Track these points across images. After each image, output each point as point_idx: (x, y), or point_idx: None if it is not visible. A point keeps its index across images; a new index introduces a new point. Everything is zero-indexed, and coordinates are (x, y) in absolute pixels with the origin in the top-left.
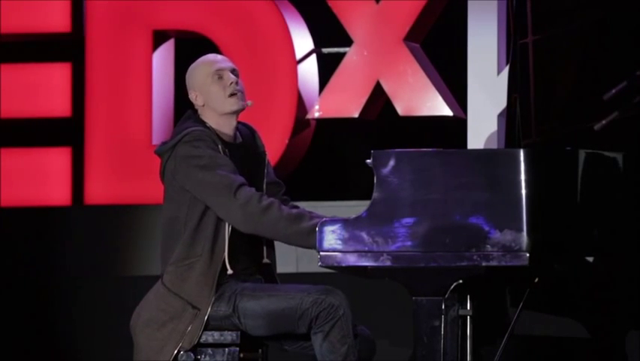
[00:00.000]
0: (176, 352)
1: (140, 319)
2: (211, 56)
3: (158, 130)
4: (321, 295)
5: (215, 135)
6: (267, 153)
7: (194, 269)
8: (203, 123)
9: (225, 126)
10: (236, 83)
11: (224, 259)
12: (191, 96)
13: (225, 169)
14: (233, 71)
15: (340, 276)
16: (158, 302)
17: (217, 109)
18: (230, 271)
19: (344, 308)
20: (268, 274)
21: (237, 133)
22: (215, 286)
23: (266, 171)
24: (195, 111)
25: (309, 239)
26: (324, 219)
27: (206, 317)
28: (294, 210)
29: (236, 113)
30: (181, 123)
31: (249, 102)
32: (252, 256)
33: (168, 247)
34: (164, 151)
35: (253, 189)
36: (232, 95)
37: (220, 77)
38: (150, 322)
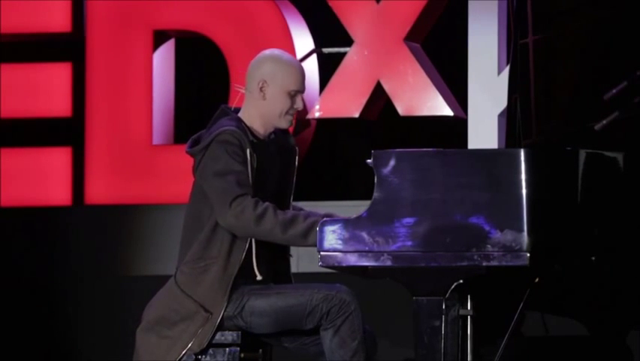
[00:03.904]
0: (183, 352)
1: (152, 315)
2: (300, 67)
3: (159, 130)
4: (331, 292)
5: (248, 134)
6: (297, 148)
7: (209, 272)
8: (238, 120)
9: (263, 127)
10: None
11: (253, 265)
12: (257, 83)
13: (235, 177)
14: (302, 94)
15: (341, 276)
16: (171, 302)
17: (269, 116)
18: (259, 277)
19: (355, 304)
20: (284, 274)
21: (271, 132)
22: (229, 291)
23: (296, 164)
24: (228, 104)
25: (307, 239)
26: (325, 219)
27: (217, 322)
28: (289, 213)
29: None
30: (215, 120)
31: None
32: (270, 262)
33: (187, 242)
34: (199, 150)
35: (249, 198)
36: (289, 115)
37: (293, 97)
38: (162, 320)
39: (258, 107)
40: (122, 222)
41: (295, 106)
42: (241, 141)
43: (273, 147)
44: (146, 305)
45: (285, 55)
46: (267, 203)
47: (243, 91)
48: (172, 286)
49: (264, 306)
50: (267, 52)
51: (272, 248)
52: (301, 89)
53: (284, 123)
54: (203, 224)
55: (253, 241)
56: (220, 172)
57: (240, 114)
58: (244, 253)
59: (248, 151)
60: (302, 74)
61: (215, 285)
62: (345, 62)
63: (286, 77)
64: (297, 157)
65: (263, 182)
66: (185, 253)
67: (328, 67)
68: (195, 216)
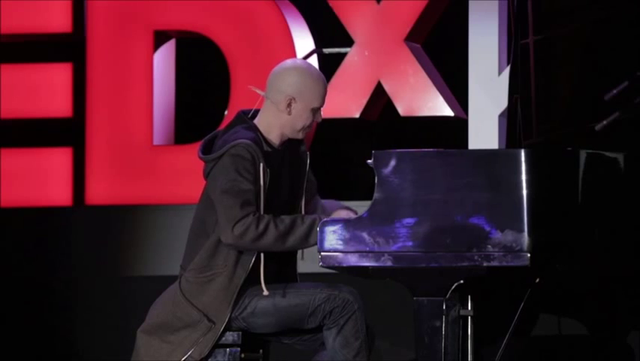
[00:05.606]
0: (183, 359)
1: (154, 319)
2: (324, 83)
3: (159, 130)
4: (334, 292)
5: (262, 145)
6: (308, 152)
7: (214, 283)
8: (255, 129)
9: (280, 137)
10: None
11: (260, 281)
12: (285, 98)
13: (241, 197)
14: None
15: (341, 276)
16: (175, 309)
17: (289, 129)
18: (265, 293)
19: (358, 303)
20: (291, 275)
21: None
22: (233, 302)
23: (307, 169)
24: (247, 113)
25: (309, 241)
26: (325, 219)
27: (220, 332)
28: (287, 220)
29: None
30: (231, 126)
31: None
32: (276, 267)
33: (193, 246)
34: (212, 159)
35: (251, 217)
36: (308, 128)
37: (314, 113)
38: (165, 325)
39: (280, 120)
40: (122, 223)
41: (314, 119)
42: (255, 155)
43: (286, 154)
44: (152, 305)
45: (311, 69)
46: (267, 217)
47: (262, 94)
48: (176, 293)
49: (266, 306)
50: (292, 63)
51: (278, 256)
52: (321, 105)
53: (301, 136)
54: (208, 232)
55: (261, 255)
56: (227, 190)
57: (256, 121)
58: (250, 265)
59: (261, 166)
60: (326, 89)
61: (220, 296)
62: (346, 63)
63: (313, 95)
64: (308, 162)
65: (274, 191)
66: (191, 258)
67: (329, 67)
68: (202, 220)
